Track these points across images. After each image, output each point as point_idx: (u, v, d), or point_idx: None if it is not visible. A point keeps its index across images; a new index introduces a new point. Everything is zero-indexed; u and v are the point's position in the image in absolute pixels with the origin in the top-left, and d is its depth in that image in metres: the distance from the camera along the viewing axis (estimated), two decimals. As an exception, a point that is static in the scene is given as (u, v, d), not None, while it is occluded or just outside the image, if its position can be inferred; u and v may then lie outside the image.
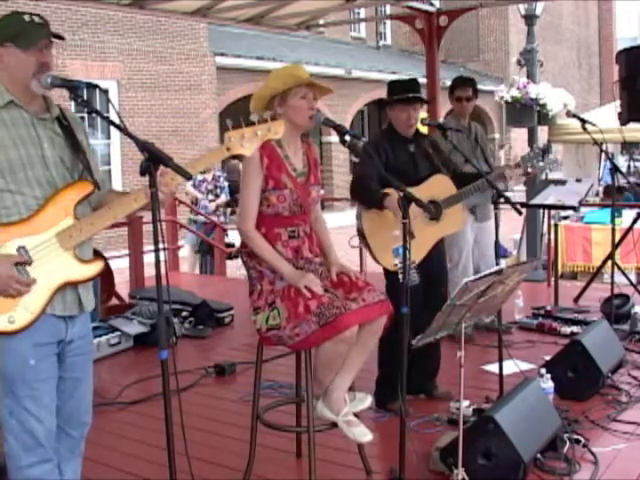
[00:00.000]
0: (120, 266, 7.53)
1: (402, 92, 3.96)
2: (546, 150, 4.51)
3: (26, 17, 2.33)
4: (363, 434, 3.05)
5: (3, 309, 2.22)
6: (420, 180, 3.94)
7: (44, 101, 2.41)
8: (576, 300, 6.48)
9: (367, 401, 3.18)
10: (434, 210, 3.19)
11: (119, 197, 2.42)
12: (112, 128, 2.57)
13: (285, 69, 3.21)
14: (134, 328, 5.58)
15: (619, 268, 5.92)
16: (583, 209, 9.19)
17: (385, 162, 3.85)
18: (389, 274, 3.85)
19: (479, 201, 5.00)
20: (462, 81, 5.41)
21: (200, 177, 9.26)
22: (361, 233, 3.92)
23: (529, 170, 4.30)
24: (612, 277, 5.42)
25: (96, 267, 2.38)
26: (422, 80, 7.93)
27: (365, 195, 3.84)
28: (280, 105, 3.10)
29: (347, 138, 3.00)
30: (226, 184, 9.71)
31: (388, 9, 20.84)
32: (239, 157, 2.51)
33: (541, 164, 4.33)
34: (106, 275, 6.30)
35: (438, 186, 3.98)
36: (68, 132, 2.42)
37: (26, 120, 2.34)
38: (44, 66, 2.34)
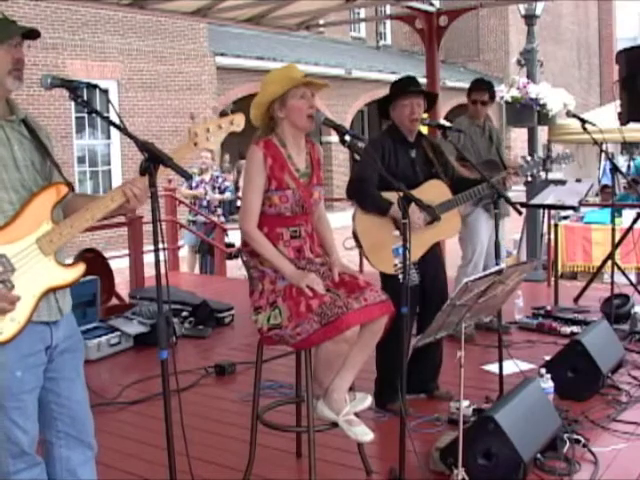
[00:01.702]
0: (120, 266, 7.53)
1: (403, 88, 3.97)
2: (547, 160, 4.51)
3: None
4: (364, 433, 3.05)
5: None
6: (416, 185, 3.93)
7: (7, 103, 2.36)
8: (576, 300, 6.48)
9: (367, 401, 3.18)
10: (433, 211, 3.18)
11: (96, 198, 2.37)
12: (112, 128, 2.55)
13: (279, 72, 3.19)
14: (134, 328, 5.57)
15: (619, 268, 5.92)
16: (583, 209, 9.20)
17: (386, 164, 3.85)
18: (385, 276, 3.84)
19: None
20: (480, 84, 5.49)
21: (198, 178, 9.27)
22: (355, 236, 3.93)
23: (529, 180, 4.32)
24: (612, 277, 5.42)
25: (77, 271, 2.34)
26: (422, 80, 7.93)
27: (368, 200, 3.84)
28: (280, 109, 3.10)
29: (347, 138, 2.99)
30: (228, 184, 9.70)
31: (388, 9, 20.84)
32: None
33: (542, 174, 4.34)
34: (106, 275, 6.30)
35: (433, 191, 3.96)
36: (34, 135, 2.38)
37: None
38: (19, 62, 2.30)
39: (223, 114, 2.61)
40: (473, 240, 5.32)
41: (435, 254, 4.11)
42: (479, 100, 5.37)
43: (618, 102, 5.71)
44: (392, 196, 3.70)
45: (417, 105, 3.95)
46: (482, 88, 5.42)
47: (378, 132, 4.22)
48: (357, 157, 3.52)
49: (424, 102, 4.01)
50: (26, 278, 2.23)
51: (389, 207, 3.76)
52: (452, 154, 4.73)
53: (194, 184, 9.24)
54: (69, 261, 2.38)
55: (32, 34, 2.34)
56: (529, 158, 4.35)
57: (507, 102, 8.58)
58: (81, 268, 2.35)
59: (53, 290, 2.31)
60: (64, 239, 2.29)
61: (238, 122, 2.49)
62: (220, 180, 9.45)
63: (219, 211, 9.45)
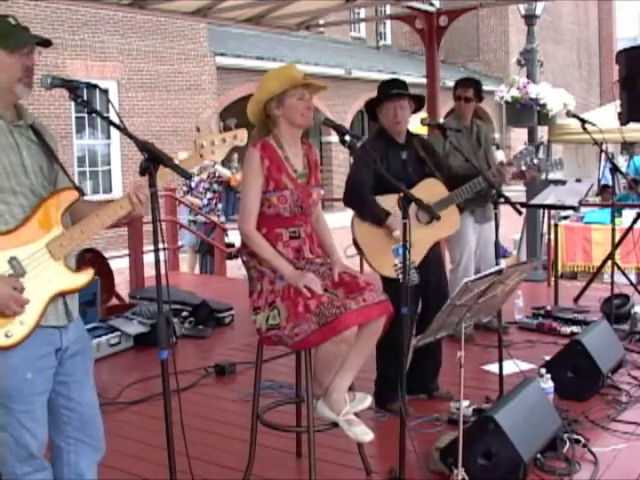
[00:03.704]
0: (120, 266, 7.53)
1: (386, 91, 3.96)
2: (538, 148, 4.50)
3: (11, 20, 2.29)
4: (364, 433, 3.05)
5: (0, 324, 2.19)
6: (411, 186, 3.91)
7: (15, 108, 2.36)
8: (576, 300, 6.48)
9: (367, 401, 3.17)
10: (433, 211, 3.17)
11: (103, 204, 2.39)
12: (112, 128, 2.56)
13: (279, 70, 3.20)
14: (134, 328, 5.57)
15: (619, 268, 5.92)
16: (583, 209, 9.19)
17: (378, 168, 3.84)
18: (386, 281, 3.83)
19: (477, 203, 5.00)
20: (464, 80, 5.44)
21: (197, 178, 9.28)
22: (355, 242, 3.93)
23: (523, 169, 4.29)
24: (612, 277, 5.41)
25: (87, 276, 2.35)
26: (422, 80, 7.93)
27: (365, 208, 3.84)
28: (277, 108, 3.11)
29: (347, 138, 3.00)
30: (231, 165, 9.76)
31: (388, 9, 20.83)
32: None
33: (535, 161, 4.33)
34: (106, 275, 6.30)
35: (429, 190, 3.93)
36: (41, 139, 2.38)
37: (3, 128, 2.29)
38: (29, 70, 2.30)
39: (227, 128, 2.67)
40: (461, 243, 5.31)
41: (436, 255, 4.11)
42: (463, 96, 5.29)
43: (618, 102, 5.71)
44: (390, 199, 3.67)
45: (400, 108, 3.91)
46: (466, 84, 5.35)
47: (371, 134, 4.19)
48: (352, 160, 3.51)
49: (410, 104, 3.99)
50: (36, 282, 2.24)
51: (385, 218, 3.76)
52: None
53: (193, 184, 9.26)
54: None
55: (44, 43, 2.35)
56: (521, 147, 4.32)
57: (507, 102, 8.57)
58: (90, 273, 2.36)
59: (62, 294, 2.32)
60: (74, 244, 2.30)
61: (242, 137, 2.54)
62: (217, 175, 9.47)
63: (219, 207, 9.46)
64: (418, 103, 4.05)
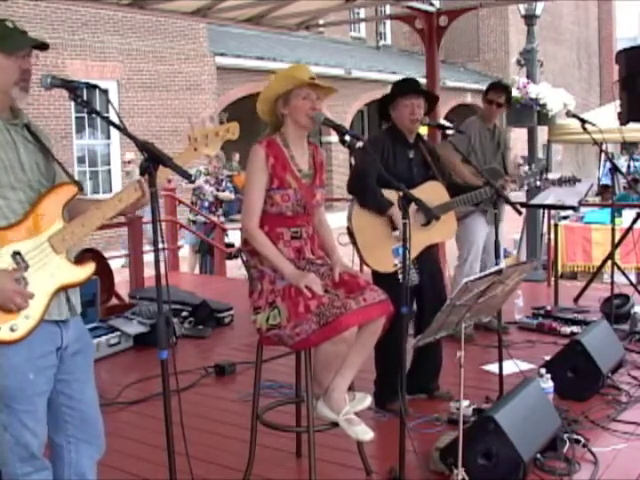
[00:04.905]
0: (120, 266, 7.53)
1: (405, 88, 3.98)
2: (543, 171, 4.57)
3: (9, 24, 2.31)
4: (364, 432, 3.05)
5: (5, 318, 2.20)
6: (413, 186, 3.91)
7: (10, 109, 2.37)
8: (576, 300, 6.48)
9: (367, 401, 3.17)
10: (432, 212, 3.17)
11: (104, 200, 2.40)
12: (112, 128, 2.57)
13: (288, 70, 3.21)
14: (134, 328, 5.58)
15: (619, 268, 5.92)
16: (583, 209, 9.20)
17: (384, 163, 3.84)
18: (377, 276, 3.83)
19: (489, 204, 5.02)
20: (499, 86, 5.51)
21: (202, 178, 9.27)
22: (350, 232, 3.92)
23: (525, 188, 4.35)
24: (612, 277, 5.42)
25: (88, 270, 2.36)
26: (422, 80, 7.95)
27: (369, 195, 3.84)
28: (284, 106, 3.13)
29: (347, 138, 3.00)
30: (230, 185, 9.76)
31: (388, 9, 20.83)
32: None
33: (538, 184, 4.40)
34: (106, 275, 6.30)
35: (431, 192, 3.92)
36: (37, 138, 2.40)
37: (0, 125, 2.30)
38: (26, 73, 2.31)
39: (219, 122, 2.71)
40: (469, 240, 5.34)
41: (431, 255, 4.10)
42: (495, 101, 5.36)
43: (618, 102, 5.71)
44: (391, 195, 3.70)
45: (417, 106, 3.95)
46: (500, 89, 5.42)
47: (378, 130, 4.21)
48: (352, 160, 3.53)
49: (425, 104, 4.02)
50: (39, 275, 2.25)
51: (389, 207, 3.77)
52: (457, 156, 4.73)
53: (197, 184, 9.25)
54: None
55: (41, 46, 2.36)
56: (527, 168, 4.38)
57: (507, 102, 8.57)
58: (92, 267, 2.38)
59: (64, 288, 2.33)
60: (76, 237, 2.31)
61: (233, 131, 2.57)
62: (224, 183, 9.48)
63: (220, 211, 9.46)
64: (429, 105, 4.07)
